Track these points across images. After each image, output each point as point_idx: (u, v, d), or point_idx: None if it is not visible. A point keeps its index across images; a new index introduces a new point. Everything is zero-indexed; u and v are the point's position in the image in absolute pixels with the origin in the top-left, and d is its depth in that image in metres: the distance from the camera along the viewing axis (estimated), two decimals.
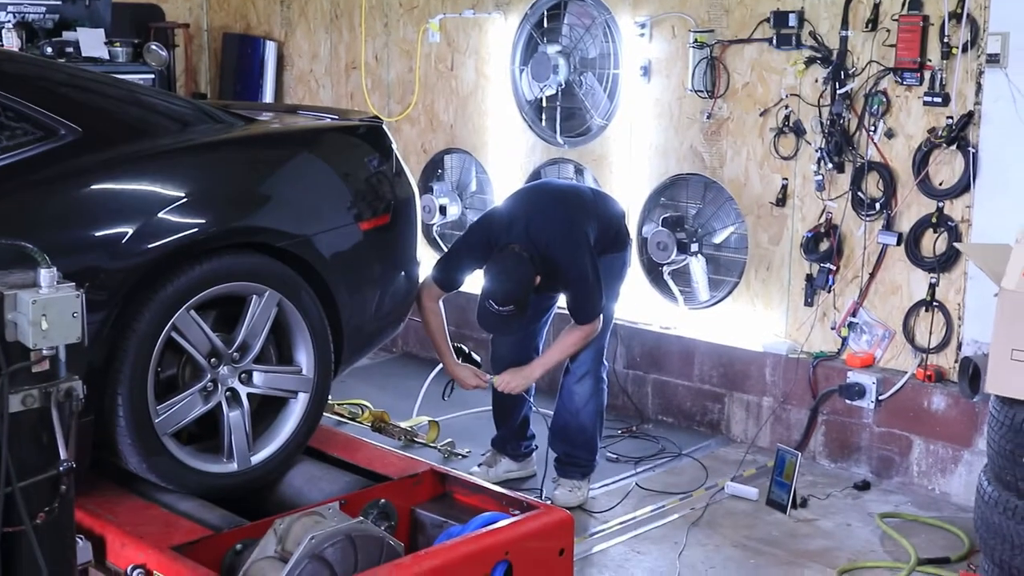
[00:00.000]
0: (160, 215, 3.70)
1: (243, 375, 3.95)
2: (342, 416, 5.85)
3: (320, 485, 4.06)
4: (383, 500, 3.89)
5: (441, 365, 5.44)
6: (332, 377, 4.30)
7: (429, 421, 5.93)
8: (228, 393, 3.91)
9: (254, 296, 3.93)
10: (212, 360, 3.86)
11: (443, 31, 7.44)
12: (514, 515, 3.81)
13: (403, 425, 5.88)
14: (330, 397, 5.93)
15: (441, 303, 5.30)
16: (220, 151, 4.13)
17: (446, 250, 5.48)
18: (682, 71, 6.28)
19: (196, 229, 3.77)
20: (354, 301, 4.33)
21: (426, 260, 7.62)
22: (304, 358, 4.13)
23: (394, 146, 4.65)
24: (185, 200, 3.79)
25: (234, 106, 4.89)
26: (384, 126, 4.67)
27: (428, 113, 7.68)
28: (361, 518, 3.54)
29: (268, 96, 8.58)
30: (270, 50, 8.57)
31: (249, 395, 3.97)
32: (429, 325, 5.28)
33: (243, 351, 3.94)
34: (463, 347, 5.43)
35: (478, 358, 5.49)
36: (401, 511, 3.96)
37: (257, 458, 4.01)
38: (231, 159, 4.15)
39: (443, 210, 7.40)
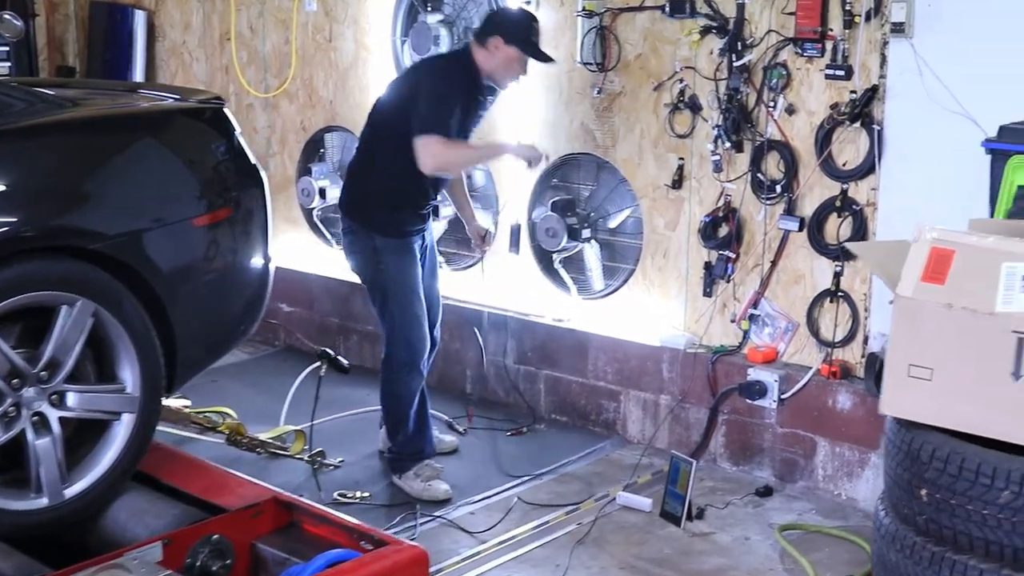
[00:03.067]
0: None
1: (53, 396, 3.51)
2: (200, 427, 5.31)
3: (146, 520, 3.62)
4: (216, 536, 3.47)
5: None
6: (163, 394, 3.83)
7: (295, 431, 5.37)
8: (35, 418, 3.46)
9: (63, 307, 3.47)
10: (14, 381, 3.40)
11: None
12: (365, 550, 3.42)
13: (263, 437, 5.32)
14: (189, 404, 5.47)
15: None
16: (28, 139, 3.64)
17: (428, 108, 5.05)
18: (571, 42, 5.80)
19: None
20: (188, 307, 3.89)
21: (307, 248, 7.20)
22: (128, 374, 3.69)
23: (237, 130, 4.18)
24: None
25: (71, 84, 4.41)
26: (226, 108, 4.20)
27: (307, 88, 7.15)
28: (170, 571, 3.07)
29: (138, 70, 7.96)
30: (139, 20, 7.94)
31: (62, 419, 3.51)
32: (460, 151, 5.18)
33: (53, 369, 3.49)
34: (328, 351, 4.97)
35: (346, 363, 5.03)
36: (240, 546, 3.57)
37: (72, 491, 3.58)
38: (41, 148, 3.66)
39: (323, 193, 6.88)
